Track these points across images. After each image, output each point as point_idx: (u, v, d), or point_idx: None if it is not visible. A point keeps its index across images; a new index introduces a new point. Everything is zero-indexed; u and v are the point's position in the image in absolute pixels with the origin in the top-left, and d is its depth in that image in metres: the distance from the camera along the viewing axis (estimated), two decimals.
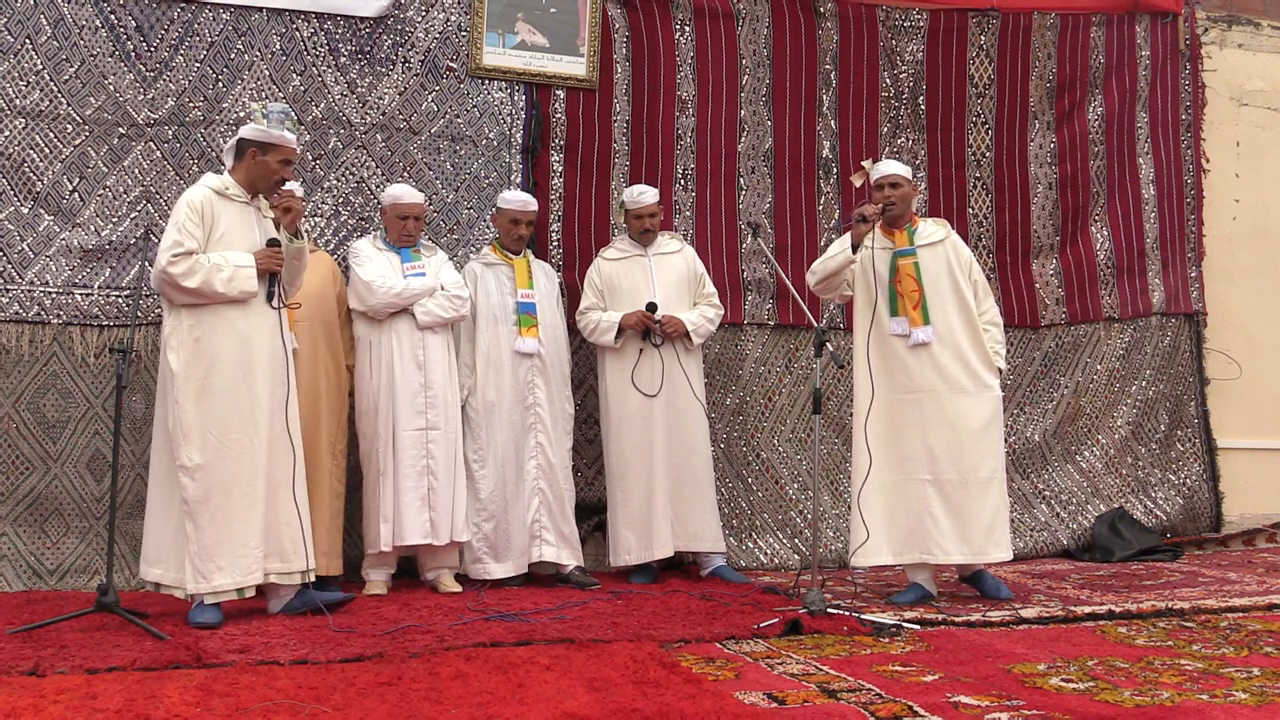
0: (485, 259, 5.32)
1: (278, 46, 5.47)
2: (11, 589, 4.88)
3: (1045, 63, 6.57)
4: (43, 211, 5.17)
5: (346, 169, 5.55)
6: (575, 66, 5.91)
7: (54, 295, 5.14)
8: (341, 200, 5.52)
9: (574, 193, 5.90)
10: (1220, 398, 6.80)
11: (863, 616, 4.07)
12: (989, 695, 3.03)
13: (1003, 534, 4.61)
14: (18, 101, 5.17)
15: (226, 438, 4.05)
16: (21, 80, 5.18)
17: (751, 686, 3.13)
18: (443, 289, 5.00)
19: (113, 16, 5.29)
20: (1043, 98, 6.57)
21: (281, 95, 5.42)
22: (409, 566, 5.08)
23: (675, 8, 6.08)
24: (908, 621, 4.06)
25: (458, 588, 4.90)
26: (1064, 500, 6.31)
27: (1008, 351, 5.11)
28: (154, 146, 5.30)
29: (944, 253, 4.74)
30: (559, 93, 5.89)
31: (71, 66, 5.23)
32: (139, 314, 5.01)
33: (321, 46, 5.54)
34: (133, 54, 5.31)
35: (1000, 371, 4.74)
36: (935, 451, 4.59)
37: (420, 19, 5.70)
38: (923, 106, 6.41)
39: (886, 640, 3.82)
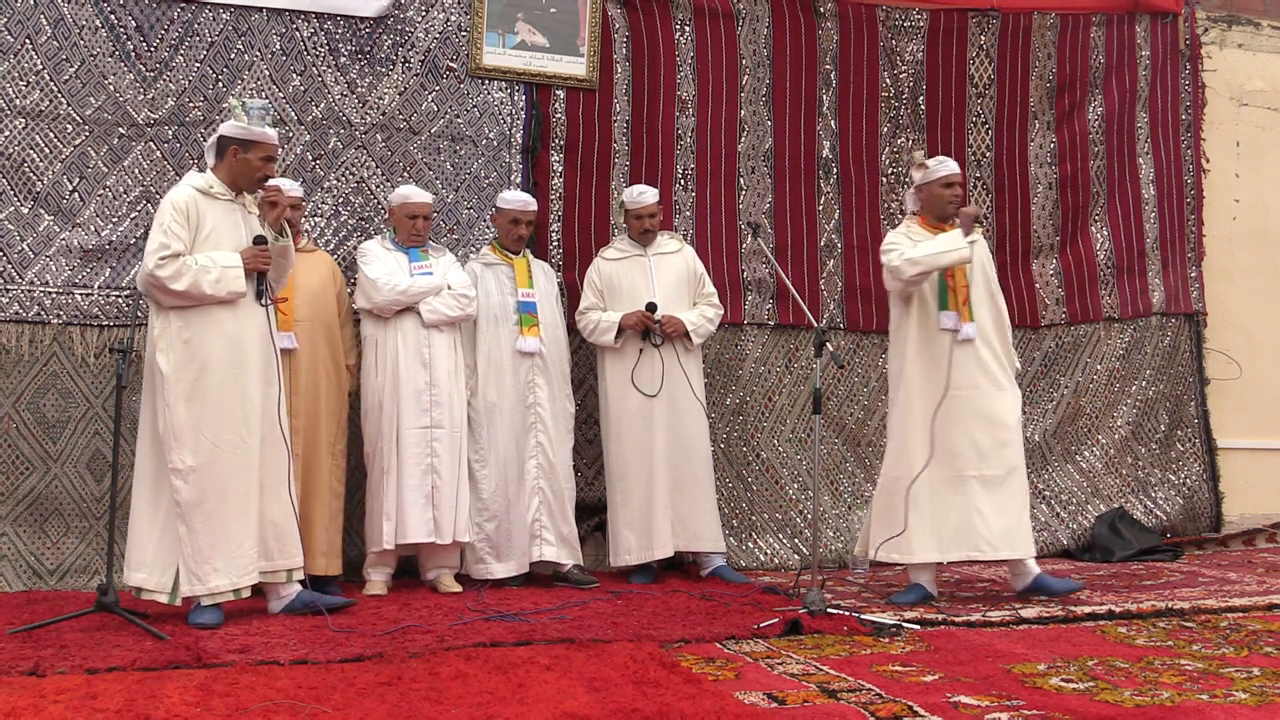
0: (485, 259, 5.32)
1: (278, 46, 5.47)
2: (11, 589, 4.88)
3: (1045, 63, 6.57)
4: (43, 211, 5.17)
5: (346, 169, 5.55)
6: (575, 66, 5.91)
7: (54, 295, 5.14)
8: (341, 200, 5.52)
9: (574, 193, 5.89)
10: (1220, 398, 6.80)
11: (863, 616, 4.08)
12: (989, 695, 3.03)
13: (1029, 529, 4.68)
14: (18, 101, 5.17)
15: (220, 439, 4.02)
16: (21, 80, 5.18)
17: (751, 686, 3.13)
18: (449, 288, 5.00)
19: (113, 16, 5.29)
20: (1043, 98, 6.57)
21: (282, 95, 5.43)
22: (409, 566, 5.08)
23: (675, 8, 6.08)
24: (908, 621, 4.06)
25: (458, 588, 4.90)
26: (1064, 500, 6.31)
27: None
28: (154, 146, 5.30)
29: (979, 251, 4.78)
30: (559, 93, 5.89)
31: (71, 66, 5.23)
32: (139, 314, 5.00)
33: (321, 46, 5.54)
34: (133, 54, 5.31)
35: (1016, 370, 4.83)
36: (981, 448, 4.60)
37: (420, 19, 5.70)
38: (923, 106, 6.41)
39: (886, 640, 3.82)
